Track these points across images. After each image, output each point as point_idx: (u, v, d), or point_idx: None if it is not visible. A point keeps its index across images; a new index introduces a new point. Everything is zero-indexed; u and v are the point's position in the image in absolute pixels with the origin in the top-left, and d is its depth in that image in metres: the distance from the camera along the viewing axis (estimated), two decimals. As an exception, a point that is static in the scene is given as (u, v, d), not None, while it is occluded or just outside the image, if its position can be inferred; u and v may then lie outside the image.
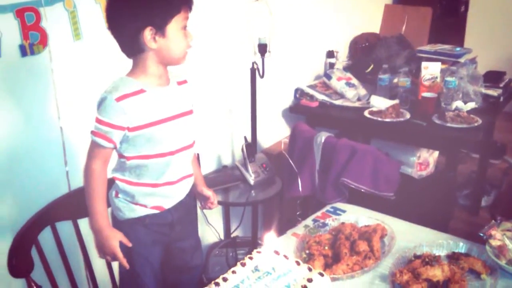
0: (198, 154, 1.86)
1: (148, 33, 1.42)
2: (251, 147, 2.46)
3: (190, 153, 1.63)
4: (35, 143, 1.85)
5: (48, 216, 1.61)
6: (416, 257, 1.54)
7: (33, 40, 1.83)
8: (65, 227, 1.67)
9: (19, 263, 1.49)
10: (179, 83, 1.61)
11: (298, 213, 2.41)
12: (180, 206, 1.63)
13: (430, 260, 1.50)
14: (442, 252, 1.58)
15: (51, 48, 1.85)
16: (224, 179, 2.49)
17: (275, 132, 2.96)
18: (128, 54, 1.49)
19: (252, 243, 2.47)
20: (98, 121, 1.45)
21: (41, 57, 1.84)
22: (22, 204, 1.81)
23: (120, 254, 1.52)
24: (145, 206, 1.56)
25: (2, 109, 1.77)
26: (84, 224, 1.73)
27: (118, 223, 1.59)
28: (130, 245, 1.54)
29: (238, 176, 2.48)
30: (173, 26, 1.43)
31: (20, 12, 1.77)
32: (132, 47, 1.46)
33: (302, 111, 2.95)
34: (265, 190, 2.45)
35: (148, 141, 1.49)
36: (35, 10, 1.80)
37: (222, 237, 2.76)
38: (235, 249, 2.59)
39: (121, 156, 1.53)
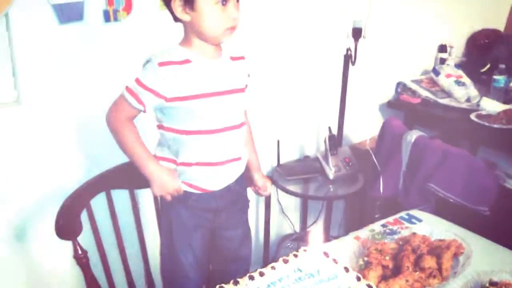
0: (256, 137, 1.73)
1: (176, 3, 1.35)
2: (334, 138, 2.30)
3: (237, 135, 1.50)
4: (101, 109, 1.85)
5: (104, 182, 1.59)
6: (492, 284, 1.31)
7: (117, 6, 1.84)
8: (121, 195, 1.65)
9: (66, 224, 1.48)
10: (234, 58, 1.50)
11: (376, 216, 2.21)
12: (227, 193, 1.53)
13: (509, 291, 1.28)
14: (527, 283, 1.33)
15: (134, 15, 1.85)
16: (303, 169, 2.36)
17: (367, 127, 2.76)
18: (175, 20, 1.42)
19: (324, 240, 2.32)
20: (136, 79, 1.38)
21: (124, 24, 1.84)
22: (85, 167, 1.84)
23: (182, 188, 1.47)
24: (189, 185, 1.48)
25: (78, 71, 1.79)
26: (141, 194, 1.72)
27: (162, 201, 1.53)
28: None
29: (318, 168, 2.34)
30: (204, 0, 1.32)
31: (106, -23, 1.79)
32: (172, 15, 1.39)
33: (401, 107, 2.73)
34: (344, 187, 2.28)
35: (187, 115, 1.40)
36: (121, -24, 1.81)
37: (297, 229, 2.64)
38: (308, 244, 2.45)
39: (160, 126, 1.47)
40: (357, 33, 2.08)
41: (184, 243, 1.52)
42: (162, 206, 1.57)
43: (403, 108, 2.73)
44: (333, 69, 2.39)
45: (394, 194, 2.19)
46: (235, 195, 1.57)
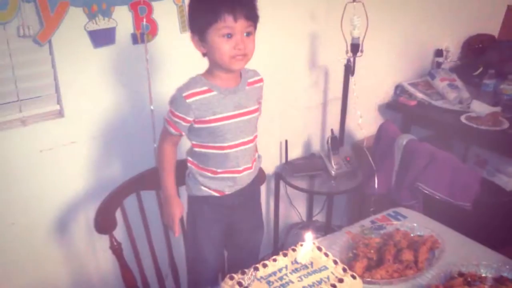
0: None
1: (194, 39, 1.62)
2: (336, 139, 2.56)
3: (250, 148, 1.76)
4: (130, 119, 2.14)
5: (135, 184, 1.88)
6: (460, 274, 1.54)
7: (144, 30, 2.10)
8: (149, 195, 1.94)
9: (103, 220, 1.77)
10: (250, 83, 1.73)
11: (371, 209, 2.47)
12: (242, 193, 1.80)
13: (473, 280, 1.50)
14: (490, 274, 1.55)
15: (159, 38, 2.10)
16: (308, 166, 2.62)
17: (367, 126, 2.98)
18: (203, 55, 1.67)
19: (326, 229, 2.60)
20: (171, 111, 1.67)
21: (149, 45, 2.10)
22: (115, 172, 2.12)
23: (176, 221, 1.76)
24: (208, 188, 1.76)
25: (110, 87, 2.08)
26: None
27: (189, 198, 1.83)
28: (179, 216, 1.78)
29: (321, 165, 2.61)
30: (212, 33, 1.56)
31: (134, 5, 2.03)
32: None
33: (399, 109, 2.97)
34: (345, 182, 2.54)
35: (210, 134, 1.67)
36: (147, 4, 2.05)
37: (304, 218, 2.92)
38: (313, 231, 2.72)
39: (191, 142, 1.75)
40: (355, 48, 2.32)
41: (204, 233, 1.82)
42: (189, 203, 1.84)
43: (401, 109, 2.96)
44: (336, 77, 2.65)
45: (387, 191, 2.45)
46: (249, 196, 1.85)
